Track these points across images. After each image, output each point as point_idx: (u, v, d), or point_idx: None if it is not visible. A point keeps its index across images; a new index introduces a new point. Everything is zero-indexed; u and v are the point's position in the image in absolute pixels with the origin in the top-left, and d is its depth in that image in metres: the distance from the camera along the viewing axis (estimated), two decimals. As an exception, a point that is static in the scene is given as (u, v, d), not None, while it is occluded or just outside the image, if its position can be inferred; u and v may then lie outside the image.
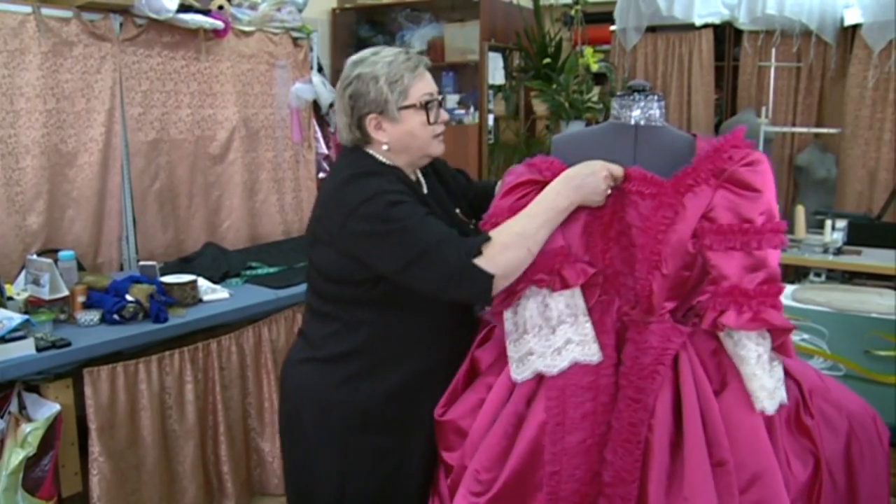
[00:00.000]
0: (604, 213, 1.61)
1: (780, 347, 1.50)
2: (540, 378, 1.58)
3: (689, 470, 1.42)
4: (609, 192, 1.59)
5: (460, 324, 1.79)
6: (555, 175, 1.62)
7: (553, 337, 1.58)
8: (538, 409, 1.54)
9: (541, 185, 1.63)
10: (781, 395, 1.49)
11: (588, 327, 1.57)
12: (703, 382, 1.50)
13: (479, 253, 1.54)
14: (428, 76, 1.74)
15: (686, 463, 1.43)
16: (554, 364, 1.56)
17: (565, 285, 1.57)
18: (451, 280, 1.56)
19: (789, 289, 3.02)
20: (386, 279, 1.63)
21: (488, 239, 1.56)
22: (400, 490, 1.74)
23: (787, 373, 1.63)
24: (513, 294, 1.60)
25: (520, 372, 1.58)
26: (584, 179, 1.57)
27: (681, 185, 1.54)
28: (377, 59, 1.69)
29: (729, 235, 1.48)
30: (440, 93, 1.76)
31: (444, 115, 1.76)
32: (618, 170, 1.59)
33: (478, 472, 1.54)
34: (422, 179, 1.83)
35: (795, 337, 2.29)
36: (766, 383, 1.47)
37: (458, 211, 1.88)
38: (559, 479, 1.50)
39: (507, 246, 1.55)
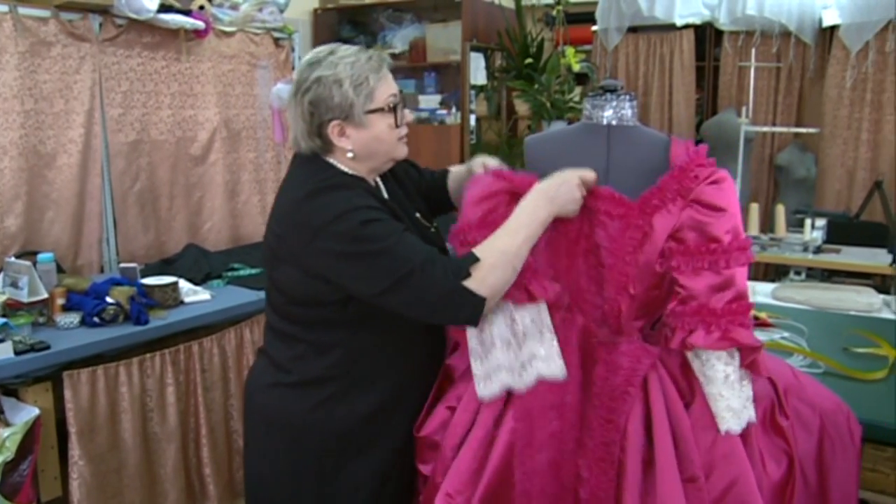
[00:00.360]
0: (569, 229, 1.60)
1: (749, 366, 1.49)
2: (507, 398, 1.58)
3: (661, 487, 1.43)
4: (583, 199, 1.57)
5: (431, 335, 1.73)
6: (524, 183, 1.60)
7: (520, 352, 1.57)
8: (506, 430, 1.54)
9: (510, 194, 1.61)
10: (749, 413, 1.49)
11: (554, 344, 1.57)
12: (673, 399, 1.52)
13: (468, 275, 1.49)
14: (390, 76, 1.64)
15: (658, 480, 1.44)
16: (521, 380, 1.56)
17: (532, 299, 1.57)
18: (440, 304, 1.50)
19: (769, 287, 3.04)
20: (356, 299, 1.55)
21: (476, 260, 1.50)
22: None
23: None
24: None
25: (487, 389, 1.58)
26: (558, 190, 1.55)
27: (648, 205, 1.53)
28: (337, 61, 1.57)
29: (696, 256, 1.48)
30: (400, 92, 1.67)
31: (409, 116, 1.68)
32: (589, 175, 1.58)
33: (450, 495, 1.53)
34: (381, 184, 1.73)
35: (776, 335, 2.31)
36: (732, 403, 1.47)
37: (417, 215, 1.78)
38: (530, 498, 1.51)
39: (495, 266, 1.50)
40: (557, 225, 1.59)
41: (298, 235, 1.54)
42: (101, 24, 3.23)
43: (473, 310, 1.51)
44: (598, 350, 1.59)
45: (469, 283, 1.49)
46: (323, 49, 1.63)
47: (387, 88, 1.61)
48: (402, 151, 1.68)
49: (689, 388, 1.54)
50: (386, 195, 1.71)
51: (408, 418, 1.67)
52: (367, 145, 1.61)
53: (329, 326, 1.61)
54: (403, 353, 1.66)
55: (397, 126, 1.63)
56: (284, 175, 1.70)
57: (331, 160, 1.63)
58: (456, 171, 1.90)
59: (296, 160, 1.68)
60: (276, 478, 1.69)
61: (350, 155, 1.61)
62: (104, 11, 3.20)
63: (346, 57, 1.58)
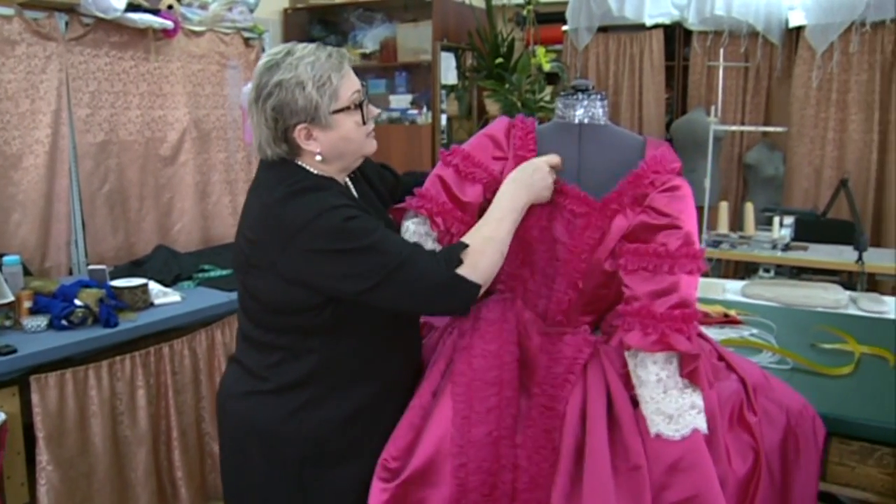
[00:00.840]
0: (527, 217, 1.63)
1: (689, 375, 1.47)
2: (444, 371, 1.62)
3: (589, 475, 1.44)
4: (553, 184, 1.61)
5: (408, 339, 1.72)
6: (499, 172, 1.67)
7: None
8: (444, 402, 1.57)
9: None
10: (695, 423, 1.46)
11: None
12: (617, 389, 1.53)
13: (460, 262, 1.50)
14: (352, 72, 1.58)
15: (586, 469, 1.45)
16: None
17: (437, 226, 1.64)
18: (433, 294, 1.50)
19: (739, 284, 3.07)
20: (334, 303, 1.52)
21: (465, 247, 1.52)
22: None
23: (733, 370, 1.67)
24: None
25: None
26: (532, 177, 1.59)
27: (608, 208, 1.57)
28: (296, 62, 1.51)
29: (644, 257, 1.50)
30: (363, 86, 1.61)
31: (374, 110, 1.62)
32: (554, 159, 1.63)
33: (386, 460, 1.55)
34: (350, 186, 1.69)
35: (745, 332, 2.34)
36: (663, 408, 1.46)
37: (391, 217, 1.76)
38: (466, 470, 1.52)
39: (484, 253, 1.52)
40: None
41: (274, 240, 1.49)
42: (67, 23, 3.19)
43: (468, 296, 1.51)
44: (541, 340, 1.61)
45: (461, 271, 1.50)
46: (279, 50, 1.56)
47: (350, 85, 1.56)
48: (371, 147, 1.64)
49: None
50: (356, 195, 1.68)
51: (388, 424, 1.64)
52: (335, 146, 1.57)
53: (305, 333, 1.56)
54: (380, 359, 1.63)
55: (364, 123, 1.59)
56: (252, 180, 1.66)
57: (300, 163, 1.59)
58: None
59: (263, 165, 1.63)
60: (257, 490, 1.65)
61: (318, 158, 1.57)
62: (70, 10, 3.16)
63: (305, 57, 1.53)
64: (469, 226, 1.61)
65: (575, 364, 1.55)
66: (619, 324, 1.52)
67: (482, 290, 1.54)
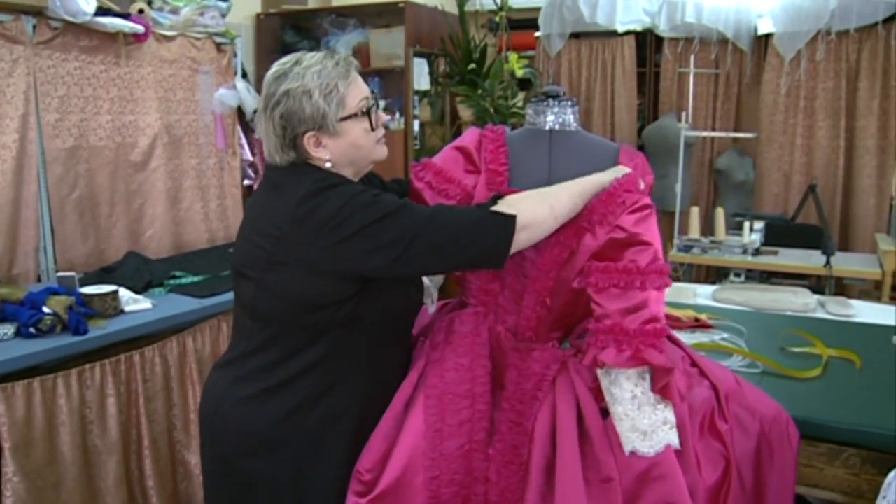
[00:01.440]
0: None
1: (662, 390, 1.48)
2: (417, 383, 1.62)
3: (561, 489, 1.45)
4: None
5: (405, 335, 1.73)
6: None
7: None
8: (416, 414, 1.57)
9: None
10: (668, 438, 1.47)
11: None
12: (587, 402, 1.53)
13: (496, 203, 1.52)
14: (360, 79, 1.61)
15: (558, 483, 1.46)
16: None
17: None
18: (468, 234, 1.50)
19: (710, 289, 3.11)
20: (357, 297, 1.53)
21: (500, 196, 1.54)
22: None
23: (705, 377, 1.68)
24: None
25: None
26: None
27: (577, 226, 1.57)
28: (303, 71, 1.54)
29: (614, 275, 1.50)
30: (372, 93, 1.64)
31: (383, 117, 1.65)
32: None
33: (360, 472, 1.55)
34: None
35: (716, 336, 2.36)
36: (638, 424, 1.47)
37: None
38: (439, 483, 1.53)
39: (527, 197, 1.54)
40: None
41: (305, 234, 1.50)
42: (34, 27, 3.15)
43: (504, 230, 1.49)
44: (512, 356, 1.62)
45: (497, 208, 1.51)
46: (288, 60, 1.59)
47: (357, 93, 1.58)
48: (381, 153, 1.66)
49: None
50: None
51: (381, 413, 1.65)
52: (344, 153, 1.59)
53: (315, 330, 1.56)
54: (379, 357, 1.64)
55: (373, 129, 1.61)
56: (261, 182, 1.67)
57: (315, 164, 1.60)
58: None
59: (274, 169, 1.63)
60: (249, 495, 1.62)
61: (329, 165, 1.58)
62: (38, 13, 3.12)
63: (312, 66, 1.55)
64: None
65: (543, 381, 1.56)
66: (591, 341, 1.50)
67: (527, 234, 1.52)
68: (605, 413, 1.52)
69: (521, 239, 1.52)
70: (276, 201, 1.57)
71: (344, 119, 1.56)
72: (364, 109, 1.59)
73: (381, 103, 5.19)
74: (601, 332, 1.48)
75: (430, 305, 1.79)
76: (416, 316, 1.77)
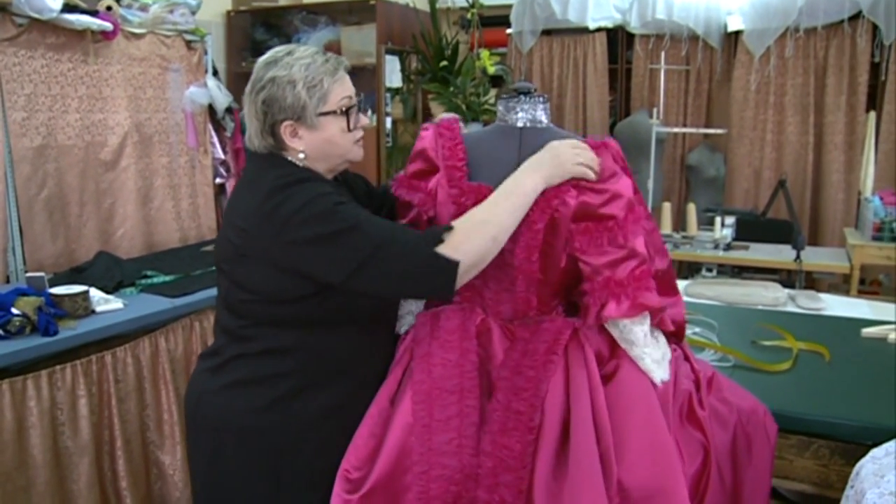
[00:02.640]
0: None
1: (659, 323, 1.64)
2: (401, 377, 1.63)
3: (576, 454, 1.46)
4: (580, 162, 1.59)
5: (386, 334, 1.75)
6: (429, 193, 1.70)
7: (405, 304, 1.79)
8: (404, 410, 1.57)
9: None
10: (669, 358, 1.64)
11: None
12: (593, 372, 1.55)
13: (441, 241, 1.51)
14: (347, 78, 1.65)
15: (573, 448, 1.47)
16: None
17: None
18: (413, 273, 1.51)
19: (682, 284, 3.13)
20: (322, 294, 1.55)
21: (450, 229, 1.53)
22: None
23: (688, 360, 1.71)
24: None
25: (399, 326, 1.78)
26: (550, 156, 1.59)
27: (548, 206, 1.58)
28: (292, 61, 1.59)
29: (595, 235, 1.56)
30: (358, 94, 1.68)
31: (364, 120, 1.69)
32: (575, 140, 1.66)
33: (348, 471, 1.55)
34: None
35: (688, 331, 2.38)
36: (655, 356, 1.58)
37: None
38: (428, 478, 1.52)
39: (470, 233, 1.52)
40: None
41: (267, 228, 1.53)
42: (-1, 24, 3.10)
43: (447, 276, 1.50)
44: (518, 330, 1.63)
45: (441, 249, 1.50)
46: (281, 49, 1.63)
47: (341, 91, 1.62)
48: (356, 154, 1.69)
49: (612, 355, 1.61)
50: None
51: (363, 412, 1.66)
52: (319, 147, 1.62)
53: (289, 325, 1.59)
54: (359, 356, 1.66)
55: (350, 130, 1.64)
56: (241, 173, 1.70)
57: (288, 158, 1.64)
58: None
59: (253, 158, 1.67)
60: (231, 483, 1.65)
61: (302, 155, 1.62)
62: (2, 9, 3.06)
63: (302, 58, 1.59)
64: None
65: (557, 344, 1.57)
66: (589, 301, 1.56)
67: (471, 273, 1.54)
68: (605, 380, 1.56)
69: (468, 276, 1.54)
70: (248, 195, 1.61)
71: (323, 114, 1.60)
72: (344, 108, 1.62)
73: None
74: (597, 289, 1.55)
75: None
76: (393, 314, 1.77)
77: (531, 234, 1.58)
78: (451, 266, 1.50)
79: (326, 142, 1.62)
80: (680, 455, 1.54)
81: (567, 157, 1.59)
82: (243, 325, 1.63)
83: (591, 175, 1.58)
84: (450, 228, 1.53)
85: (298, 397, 1.61)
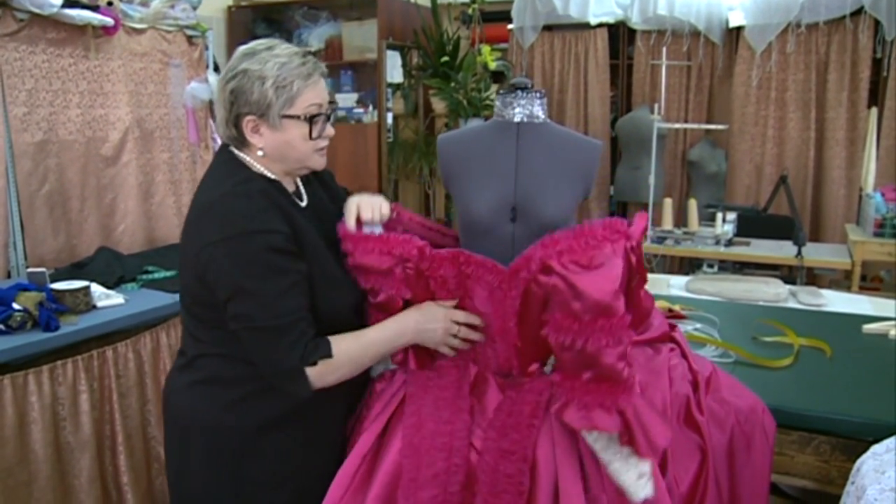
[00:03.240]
0: (448, 289, 1.60)
1: (628, 443, 1.44)
2: (383, 429, 1.63)
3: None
4: (453, 334, 1.60)
5: None
6: (406, 253, 1.58)
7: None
8: (391, 462, 1.57)
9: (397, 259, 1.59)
10: (644, 491, 1.44)
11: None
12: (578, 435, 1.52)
13: (314, 364, 1.51)
14: (321, 85, 1.59)
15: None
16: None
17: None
18: (274, 371, 1.52)
19: (683, 280, 3.13)
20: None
21: (328, 355, 1.52)
22: None
23: (686, 358, 1.71)
24: None
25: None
26: (426, 326, 1.60)
27: (517, 278, 1.49)
28: (269, 57, 1.54)
29: (561, 331, 1.43)
30: (332, 102, 1.62)
31: (330, 131, 1.63)
32: (450, 304, 1.61)
33: None
34: (302, 189, 1.70)
35: (689, 326, 2.38)
36: (624, 478, 1.45)
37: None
38: None
39: (339, 369, 1.54)
40: (438, 289, 1.61)
41: (194, 230, 1.55)
42: None
43: (299, 392, 1.52)
44: (507, 387, 1.60)
45: (310, 371, 1.51)
46: (263, 42, 1.60)
47: (311, 97, 1.57)
48: (317, 163, 1.65)
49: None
50: (305, 199, 1.68)
51: (328, 421, 1.68)
52: (278, 148, 1.59)
53: (226, 328, 1.56)
54: None
55: (311, 138, 1.59)
56: (209, 166, 1.69)
57: (247, 157, 1.61)
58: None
59: (220, 153, 1.66)
60: (197, 482, 1.66)
61: (260, 153, 1.59)
62: (3, 4, 3.06)
63: (279, 56, 1.55)
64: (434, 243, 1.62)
65: (538, 408, 1.53)
66: (556, 393, 1.50)
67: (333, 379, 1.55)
68: None
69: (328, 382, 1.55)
70: (201, 195, 1.62)
71: (287, 117, 1.56)
72: (309, 115, 1.57)
73: (354, 96, 5.20)
74: (559, 384, 1.49)
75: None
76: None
77: (510, 300, 1.51)
78: (307, 388, 1.52)
79: (286, 144, 1.58)
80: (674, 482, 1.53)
81: (441, 334, 1.60)
82: (196, 326, 1.65)
83: (452, 353, 1.62)
84: (328, 355, 1.52)
85: (254, 401, 1.60)
